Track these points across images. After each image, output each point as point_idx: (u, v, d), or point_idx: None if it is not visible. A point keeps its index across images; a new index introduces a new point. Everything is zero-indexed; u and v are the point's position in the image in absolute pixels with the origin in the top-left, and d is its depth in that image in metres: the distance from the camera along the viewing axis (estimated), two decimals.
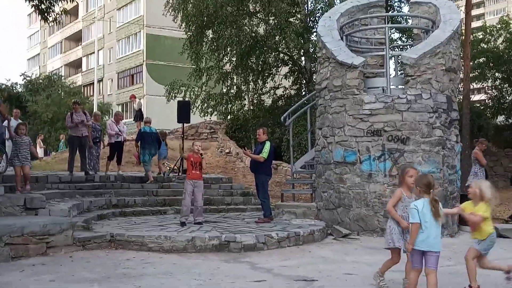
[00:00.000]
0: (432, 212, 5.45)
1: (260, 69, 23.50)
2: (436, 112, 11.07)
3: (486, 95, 29.72)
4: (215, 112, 25.06)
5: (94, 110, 16.10)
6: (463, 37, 18.49)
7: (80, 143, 14.03)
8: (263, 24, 22.58)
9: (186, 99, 22.97)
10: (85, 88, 55.47)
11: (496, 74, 27.07)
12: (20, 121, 16.17)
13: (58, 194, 11.77)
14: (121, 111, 19.58)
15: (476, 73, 26.39)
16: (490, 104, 27.79)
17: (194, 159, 10.97)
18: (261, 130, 11.87)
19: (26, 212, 9.59)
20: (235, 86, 25.37)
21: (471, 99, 22.87)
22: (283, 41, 21.89)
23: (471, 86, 23.63)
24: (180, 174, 15.62)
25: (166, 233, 9.25)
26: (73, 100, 15.25)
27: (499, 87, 27.45)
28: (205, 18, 21.47)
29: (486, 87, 29.04)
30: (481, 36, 28.21)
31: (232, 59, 23.90)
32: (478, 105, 28.46)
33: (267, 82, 24.63)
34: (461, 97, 19.99)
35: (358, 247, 9.78)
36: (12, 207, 9.48)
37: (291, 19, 22.43)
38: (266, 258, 8.46)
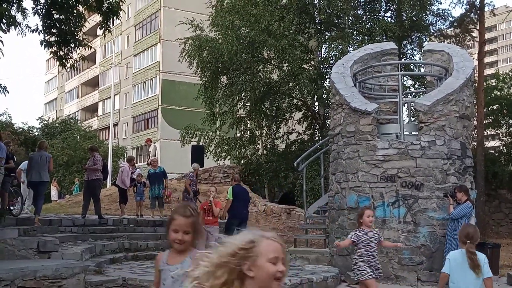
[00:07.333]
0: (469, 264, 5.27)
1: (273, 114, 23.72)
2: (450, 158, 11.04)
3: (500, 142, 29.58)
4: (229, 157, 25.18)
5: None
6: (476, 84, 18.57)
7: (88, 187, 14.09)
8: (277, 70, 22.87)
9: (200, 143, 23.17)
10: (101, 132, 56.09)
11: (510, 121, 26.99)
12: None
13: (71, 237, 11.79)
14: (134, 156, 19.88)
15: (490, 120, 26.35)
16: (505, 151, 27.59)
17: (206, 205, 11.11)
18: None
19: (39, 255, 9.60)
20: (248, 131, 25.58)
21: (485, 146, 22.80)
22: (297, 87, 22.13)
23: (485, 132, 23.59)
24: None
25: None
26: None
27: None
28: (220, 64, 21.81)
29: (500, 134, 28.90)
30: (494, 84, 28.27)
31: (246, 104, 24.16)
32: (493, 151, 28.29)
33: (281, 127, 24.83)
34: (475, 144, 19.97)
35: None
36: (26, 250, 9.50)
37: (305, 66, 22.71)
38: None
